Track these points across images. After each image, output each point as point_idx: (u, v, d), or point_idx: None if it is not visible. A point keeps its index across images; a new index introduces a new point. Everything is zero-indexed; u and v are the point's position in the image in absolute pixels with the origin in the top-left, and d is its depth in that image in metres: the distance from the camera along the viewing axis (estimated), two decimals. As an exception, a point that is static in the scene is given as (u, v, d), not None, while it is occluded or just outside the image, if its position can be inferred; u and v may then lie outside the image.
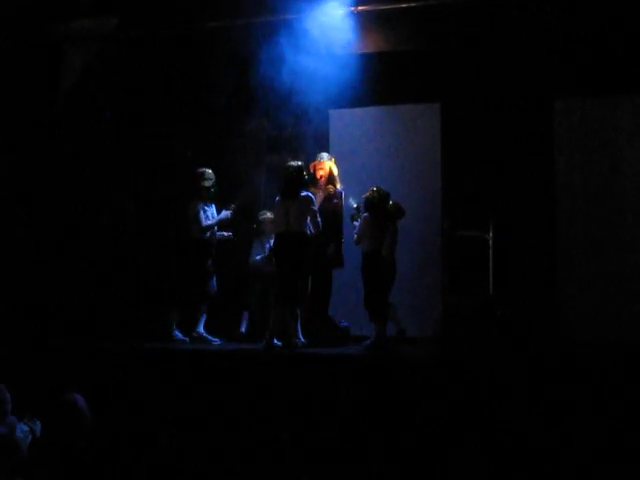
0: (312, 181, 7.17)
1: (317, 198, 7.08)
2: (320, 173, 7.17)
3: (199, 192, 7.27)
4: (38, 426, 4.45)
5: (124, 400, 5.83)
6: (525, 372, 5.56)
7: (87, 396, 3.95)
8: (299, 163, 6.82)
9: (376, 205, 6.78)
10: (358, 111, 7.90)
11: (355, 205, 7.06)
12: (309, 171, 7.07)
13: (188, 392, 5.84)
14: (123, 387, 5.97)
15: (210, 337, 7.24)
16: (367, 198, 6.84)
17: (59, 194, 7.90)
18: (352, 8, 7.50)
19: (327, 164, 7.19)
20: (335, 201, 7.12)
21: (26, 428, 4.47)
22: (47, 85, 7.75)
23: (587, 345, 6.62)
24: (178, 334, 7.23)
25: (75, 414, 3.94)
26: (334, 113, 7.93)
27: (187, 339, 7.23)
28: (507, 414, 5.26)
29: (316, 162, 7.20)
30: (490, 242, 7.23)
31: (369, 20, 7.53)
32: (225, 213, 7.33)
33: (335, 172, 7.22)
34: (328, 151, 7.56)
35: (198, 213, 7.17)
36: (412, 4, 7.35)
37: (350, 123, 7.95)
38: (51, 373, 5.97)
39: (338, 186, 7.18)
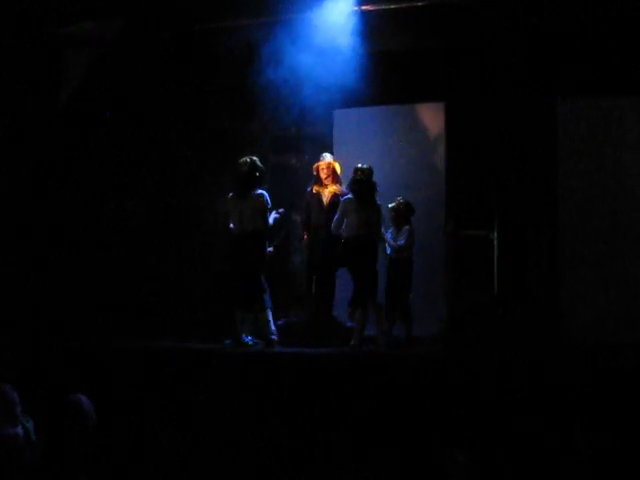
0: (317, 181, 7.22)
1: (323, 198, 7.13)
2: (325, 173, 7.19)
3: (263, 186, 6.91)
4: (31, 424, 4.47)
5: (128, 400, 5.85)
6: (528, 372, 5.57)
7: (91, 395, 3.98)
8: (366, 165, 6.77)
9: (411, 213, 7.03)
10: (362, 111, 7.90)
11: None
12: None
13: (192, 392, 5.87)
14: (127, 387, 5.99)
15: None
16: (401, 209, 7.01)
17: (60, 195, 7.94)
18: (356, 8, 7.49)
19: (331, 164, 7.21)
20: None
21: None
22: (48, 87, 7.75)
23: (590, 345, 6.61)
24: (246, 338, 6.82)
25: (80, 415, 3.97)
26: (338, 113, 7.93)
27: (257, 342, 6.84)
28: (510, 413, 5.27)
29: (320, 162, 7.22)
30: (494, 242, 7.23)
31: (373, 20, 7.51)
32: (274, 216, 7.00)
33: (339, 172, 7.25)
34: (332, 151, 7.58)
35: (268, 207, 6.81)
36: (416, 4, 7.33)
37: (354, 123, 7.94)
38: (54, 372, 6.01)
39: (342, 186, 7.21)
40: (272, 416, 5.43)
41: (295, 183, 7.93)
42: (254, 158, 6.84)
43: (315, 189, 7.24)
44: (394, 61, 7.51)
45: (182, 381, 5.97)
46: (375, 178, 6.95)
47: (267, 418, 5.42)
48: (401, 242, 6.97)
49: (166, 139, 8.12)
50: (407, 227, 7.00)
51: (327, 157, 7.26)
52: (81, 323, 7.28)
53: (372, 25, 7.48)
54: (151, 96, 7.87)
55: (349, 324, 7.16)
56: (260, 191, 6.78)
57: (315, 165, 7.26)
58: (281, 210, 7.09)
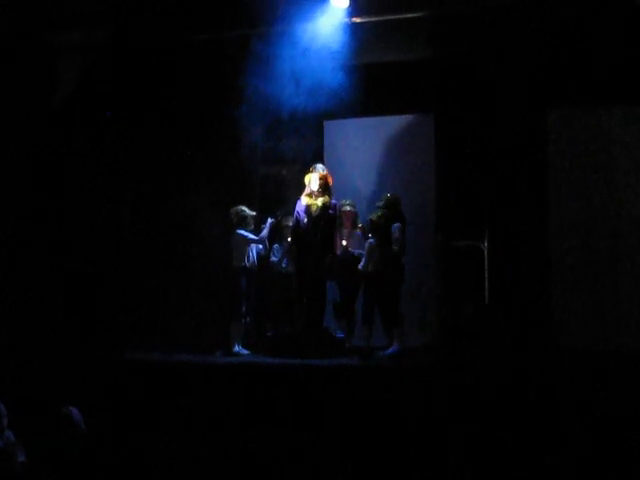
0: (307, 192, 7.22)
1: (312, 208, 7.13)
2: (316, 184, 7.19)
3: None
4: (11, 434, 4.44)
5: (118, 410, 5.80)
6: (520, 380, 5.57)
7: (81, 405, 3.95)
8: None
9: (382, 229, 6.98)
10: (352, 122, 7.92)
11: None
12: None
13: (184, 403, 5.82)
14: (117, 397, 5.94)
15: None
16: (374, 221, 7.00)
17: (59, 195, 7.86)
18: (347, 19, 7.52)
19: (322, 175, 7.21)
20: (330, 212, 7.17)
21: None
22: (47, 87, 7.69)
23: (582, 353, 6.63)
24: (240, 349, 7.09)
25: (70, 427, 3.96)
26: (328, 124, 7.94)
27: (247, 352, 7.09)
28: (502, 422, 5.27)
29: (311, 173, 7.22)
30: (485, 251, 7.24)
31: (364, 31, 7.55)
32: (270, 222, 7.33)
33: (330, 183, 7.26)
34: (322, 162, 7.58)
35: None
36: (407, 16, 7.37)
37: (344, 134, 7.97)
38: (46, 383, 5.95)
39: (332, 197, 7.22)
40: (271, 418, 5.41)
41: (285, 194, 7.92)
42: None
43: (305, 200, 7.24)
44: (384, 72, 7.55)
45: (181, 387, 5.94)
46: (364, 189, 7.01)
47: (266, 420, 5.40)
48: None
49: (166, 139, 8.08)
50: (370, 242, 7.02)
51: (319, 168, 7.27)
52: (78, 325, 7.22)
53: (362, 36, 7.51)
54: (151, 96, 7.83)
55: (339, 335, 7.17)
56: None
57: (306, 176, 7.26)
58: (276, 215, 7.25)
